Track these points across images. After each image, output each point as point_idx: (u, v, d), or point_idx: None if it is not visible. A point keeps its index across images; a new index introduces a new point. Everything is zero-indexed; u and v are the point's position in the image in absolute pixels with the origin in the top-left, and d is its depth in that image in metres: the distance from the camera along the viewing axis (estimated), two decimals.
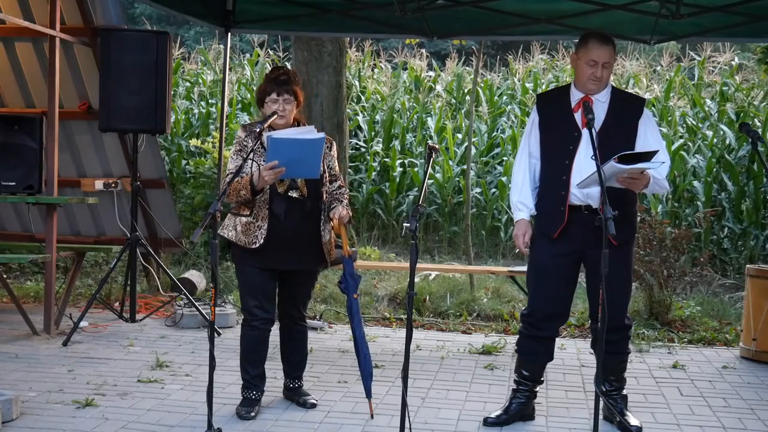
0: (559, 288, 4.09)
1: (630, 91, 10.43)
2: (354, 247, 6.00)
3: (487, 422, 4.16)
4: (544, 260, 4.09)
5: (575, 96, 4.07)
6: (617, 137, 3.97)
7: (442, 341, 6.17)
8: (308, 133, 3.99)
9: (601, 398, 3.75)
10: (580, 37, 4.13)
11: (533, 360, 4.20)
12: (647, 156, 3.69)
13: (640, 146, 4.00)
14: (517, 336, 4.30)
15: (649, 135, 4.04)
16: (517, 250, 9.91)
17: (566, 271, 4.08)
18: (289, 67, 6.75)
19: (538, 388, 4.27)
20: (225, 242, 4.31)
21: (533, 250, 4.14)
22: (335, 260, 4.29)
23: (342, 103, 8.34)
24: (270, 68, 6.83)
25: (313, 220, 4.16)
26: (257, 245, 4.05)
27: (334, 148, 4.32)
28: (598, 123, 3.93)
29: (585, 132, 3.92)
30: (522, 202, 4.14)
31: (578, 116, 4.00)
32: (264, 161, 3.97)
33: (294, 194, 4.10)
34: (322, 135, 4.00)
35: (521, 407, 4.21)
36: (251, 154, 4.03)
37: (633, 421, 4.09)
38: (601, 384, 3.49)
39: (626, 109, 4.07)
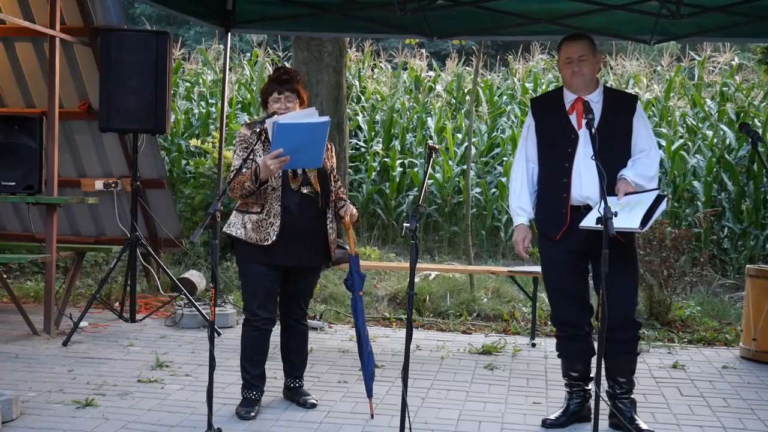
0: (575, 283, 4.10)
1: (629, 90, 10.45)
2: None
3: (545, 424, 4.16)
4: (553, 260, 4.12)
5: (568, 98, 4.11)
6: (614, 137, 3.99)
7: (442, 341, 6.17)
8: (311, 116, 4.01)
9: (608, 404, 3.75)
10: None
11: (577, 359, 4.20)
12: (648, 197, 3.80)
13: (634, 144, 4.03)
14: (555, 341, 4.30)
15: (642, 132, 4.07)
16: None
17: (576, 265, 4.10)
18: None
19: (590, 386, 4.21)
20: (225, 242, 4.31)
21: (541, 253, 4.19)
22: (337, 260, 4.30)
23: (342, 103, 8.34)
24: (271, 69, 6.82)
25: (323, 217, 4.18)
26: (269, 242, 4.04)
27: (333, 149, 4.33)
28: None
29: (581, 133, 3.97)
30: (521, 207, 4.18)
31: (573, 118, 4.04)
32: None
33: (306, 190, 4.11)
34: (326, 118, 4.01)
35: (578, 407, 4.21)
36: (251, 154, 4.03)
37: (644, 426, 4.06)
38: (600, 384, 3.47)
39: (620, 107, 4.09)
